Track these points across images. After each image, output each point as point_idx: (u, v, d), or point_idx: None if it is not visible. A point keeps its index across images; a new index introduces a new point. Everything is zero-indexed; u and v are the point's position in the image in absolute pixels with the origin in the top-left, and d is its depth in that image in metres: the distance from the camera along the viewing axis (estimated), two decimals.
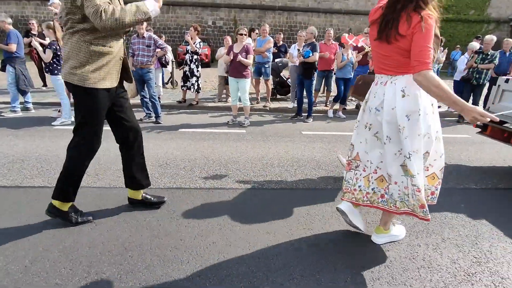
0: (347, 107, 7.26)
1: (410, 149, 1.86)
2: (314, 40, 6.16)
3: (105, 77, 2.10)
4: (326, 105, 7.46)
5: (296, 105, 6.69)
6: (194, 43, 6.48)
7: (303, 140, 4.84)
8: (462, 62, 6.92)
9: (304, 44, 6.33)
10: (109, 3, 1.93)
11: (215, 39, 19.12)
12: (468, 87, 6.62)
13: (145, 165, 2.57)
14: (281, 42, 8.81)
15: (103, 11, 1.85)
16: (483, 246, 2.31)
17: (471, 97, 6.65)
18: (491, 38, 6.26)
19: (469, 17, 19.54)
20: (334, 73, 6.94)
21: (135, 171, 2.46)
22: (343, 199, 2.24)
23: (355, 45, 6.70)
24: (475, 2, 19.66)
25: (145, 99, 5.65)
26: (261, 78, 7.30)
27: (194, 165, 3.63)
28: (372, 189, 2.11)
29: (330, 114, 6.76)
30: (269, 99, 7.34)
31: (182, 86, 6.90)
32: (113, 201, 2.70)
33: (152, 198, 2.63)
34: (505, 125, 3.68)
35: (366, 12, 19.71)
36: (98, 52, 2.04)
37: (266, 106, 7.16)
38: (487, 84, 6.75)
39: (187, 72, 6.69)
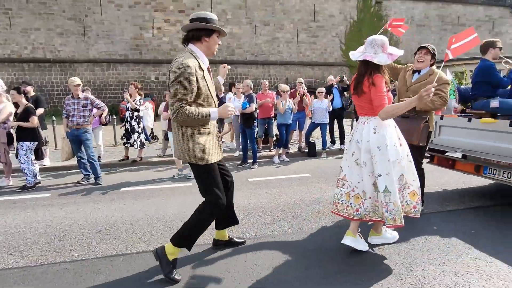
0: (290, 151, 7.64)
1: (379, 171, 2.52)
2: (251, 91, 6.59)
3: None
4: (270, 151, 7.77)
5: (241, 153, 6.87)
6: (134, 100, 6.49)
7: (249, 187, 4.92)
8: None
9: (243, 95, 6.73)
10: (185, 103, 2.21)
11: (159, 93, 19.28)
12: None
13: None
14: (222, 94, 9.23)
15: (177, 112, 2.19)
16: (417, 272, 2.49)
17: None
18: None
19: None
20: (275, 119, 7.38)
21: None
22: (332, 211, 2.84)
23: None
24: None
25: (82, 160, 5.37)
26: None
27: (137, 226, 3.45)
28: (350, 203, 2.70)
29: (276, 159, 7.02)
30: None
31: (124, 144, 6.73)
32: (40, 283, 2.41)
33: (236, 239, 2.93)
34: (446, 154, 4.36)
35: (299, 63, 21.81)
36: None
37: None
38: None
39: (129, 130, 6.59)
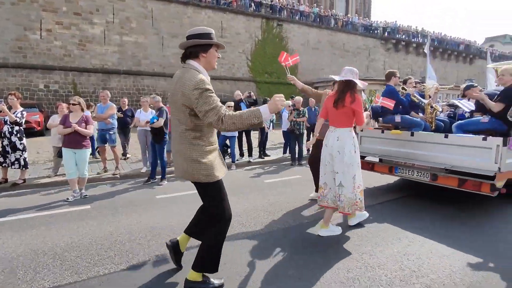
0: None
1: (337, 169, 3.36)
2: (161, 105, 6.36)
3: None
4: None
5: (148, 169, 6.51)
6: (14, 113, 5.54)
7: (158, 205, 4.69)
8: (285, 116, 8.59)
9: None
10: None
11: (49, 103, 16.83)
12: (293, 136, 8.19)
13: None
14: (126, 107, 8.64)
15: (222, 120, 2.05)
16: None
17: (297, 144, 8.23)
18: (299, 99, 8.15)
19: (286, 81, 24.66)
20: None
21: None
22: (320, 204, 3.65)
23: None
24: (289, 70, 25.21)
25: None
26: (106, 145, 6.85)
27: (17, 265, 2.91)
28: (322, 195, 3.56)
29: None
30: (118, 166, 6.87)
31: (1, 164, 5.64)
32: None
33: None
34: (366, 158, 5.27)
35: (213, 77, 22.03)
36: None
37: (115, 174, 6.65)
38: (305, 132, 8.56)
39: (7, 147, 5.56)
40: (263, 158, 8.76)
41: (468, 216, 4.27)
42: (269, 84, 24.16)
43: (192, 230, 2.74)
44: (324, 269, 2.80)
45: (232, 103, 7.80)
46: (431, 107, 5.00)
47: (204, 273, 2.46)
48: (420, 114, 5.27)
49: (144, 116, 6.81)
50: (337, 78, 3.34)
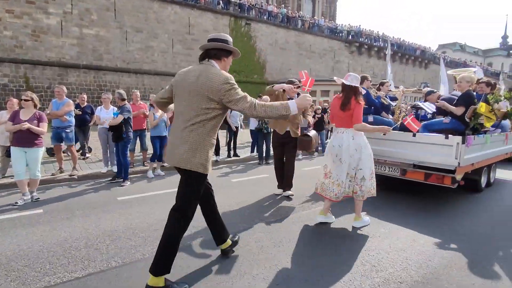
0: (166, 164, 7.37)
1: (357, 166, 3.67)
2: (124, 102, 6.06)
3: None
4: (144, 165, 7.29)
5: (110, 169, 6.18)
6: None
7: (118, 207, 4.45)
8: None
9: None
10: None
11: None
12: (261, 135, 8.20)
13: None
14: (85, 103, 8.16)
15: (255, 106, 2.33)
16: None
17: (264, 143, 8.25)
18: (266, 98, 8.14)
19: (254, 80, 24.79)
20: (148, 131, 6.99)
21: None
22: (317, 192, 3.90)
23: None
24: (256, 69, 25.29)
25: None
26: (62, 144, 6.41)
27: None
28: (333, 189, 3.69)
29: (150, 174, 6.61)
30: (76, 167, 6.45)
31: None
32: None
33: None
34: None
35: (174, 73, 21.45)
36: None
37: (72, 175, 6.24)
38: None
39: None
40: (231, 157, 8.68)
41: (428, 209, 4.61)
42: (237, 83, 24.02)
43: (219, 236, 2.89)
44: (285, 266, 2.80)
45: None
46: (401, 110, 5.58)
47: (165, 277, 2.36)
48: (390, 116, 5.72)
49: (105, 113, 6.45)
50: (345, 82, 3.60)
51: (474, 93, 5.00)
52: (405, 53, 36.30)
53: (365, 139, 3.72)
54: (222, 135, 9.46)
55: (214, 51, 2.45)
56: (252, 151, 9.09)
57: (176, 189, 2.47)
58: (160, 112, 6.77)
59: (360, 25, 32.67)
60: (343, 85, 3.63)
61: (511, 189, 6.24)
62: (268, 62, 25.89)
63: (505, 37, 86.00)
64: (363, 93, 5.00)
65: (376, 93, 5.67)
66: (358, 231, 3.70)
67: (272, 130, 8.26)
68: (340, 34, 31.36)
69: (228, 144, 8.98)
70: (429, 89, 6.31)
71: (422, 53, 39.19)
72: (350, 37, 31.67)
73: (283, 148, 5.10)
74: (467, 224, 4.05)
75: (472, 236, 3.67)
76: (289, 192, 5.07)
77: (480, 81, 5.68)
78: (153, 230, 3.58)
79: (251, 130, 8.82)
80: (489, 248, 3.36)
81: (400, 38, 36.35)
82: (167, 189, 5.49)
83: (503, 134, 5.95)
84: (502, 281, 2.72)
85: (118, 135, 5.74)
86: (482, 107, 4.63)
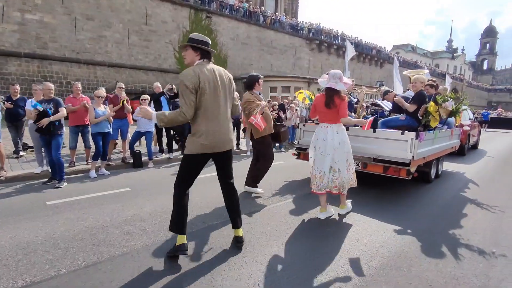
0: (112, 162, 6.86)
1: (337, 158, 3.83)
2: (52, 95, 5.49)
3: None
4: (87, 163, 6.71)
5: (45, 169, 5.58)
6: None
7: (44, 213, 3.97)
8: None
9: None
10: None
11: None
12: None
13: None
14: (18, 95, 7.35)
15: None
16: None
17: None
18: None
19: None
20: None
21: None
22: (316, 192, 3.97)
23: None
24: (217, 63, 24.60)
25: None
26: None
27: None
28: (316, 182, 3.92)
29: (93, 174, 6.08)
30: (4, 167, 5.75)
31: None
32: None
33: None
34: (307, 150, 5.58)
35: (131, 66, 20.34)
36: None
37: (0, 176, 5.55)
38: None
39: None
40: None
41: (386, 198, 5.06)
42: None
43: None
44: (233, 275, 2.62)
45: (147, 96, 7.19)
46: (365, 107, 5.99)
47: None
48: (353, 114, 6.04)
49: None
50: (322, 83, 3.87)
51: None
52: (362, 52, 37.73)
53: (347, 135, 3.94)
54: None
55: (205, 52, 2.85)
56: None
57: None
58: (102, 107, 6.25)
59: (320, 23, 33.33)
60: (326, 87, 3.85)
61: (455, 179, 6.78)
62: (229, 57, 25.48)
63: (450, 40, 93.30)
64: None
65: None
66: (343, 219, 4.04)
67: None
68: (301, 31, 31.75)
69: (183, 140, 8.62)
70: (386, 88, 6.74)
71: (378, 53, 41.02)
72: (310, 35, 32.19)
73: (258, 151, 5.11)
74: (412, 217, 4.16)
75: (416, 231, 3.75)
76: (259, 190, 5.06)
77: (425, 83, 6.10)
78: (78, 240, 3.19)
79: None
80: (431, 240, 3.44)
81: (357, 38, 37.69)
82: (109, 190, 5.06)
83: (449, 130, 6.47)
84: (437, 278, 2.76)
85: (48, 130, 5.18)
86: (431, 106, 5.12)
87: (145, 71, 21.22)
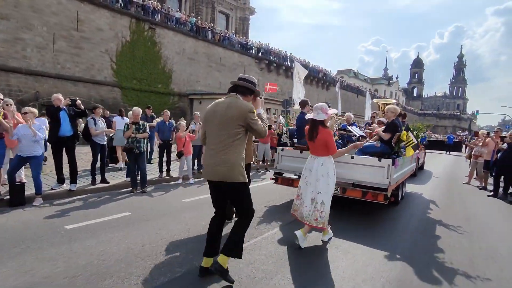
0: None
1: (320, 190, 3.96)
2: None
3: None
4: None
5: None
6: None
7: None
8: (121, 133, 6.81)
9: None
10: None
11: None
12: (132, 156, 6.49)
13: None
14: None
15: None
16: None
17: (138, 165, 6.56)
18: (138, 110, 6.67)
19: (158, 89, 22.58)
20: None
21: None
22: (293, 214, 4.22)
23: None
24: (160, 78, 23.13)
25: None
26: None
27: None
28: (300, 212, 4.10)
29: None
30: None
31: None
32: None
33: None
34: (284, 175, 5.91)
35: (56, 76, 17.79)
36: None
37: None
38: (155, 150, 7.04)
39: None
40: (108, 183, 6.69)
41: (364, 223, 5.21)
42: (137, 92, 21.42)
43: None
44: None
45: (33, 110, 5.56)
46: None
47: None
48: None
49: None
50: (311, 116, 4.03)
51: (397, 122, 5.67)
52: (310, 75, 38.84)
53: (333, 168, 4.01)
54: (80, 158, 7.37)
55: (242, 89, 3.11)
56: (127, 176, 7.26)
57: None
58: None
59: (269, 43, 33.61)
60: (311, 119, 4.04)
61: (416, 201, 7.20)
62: (174, 72, 23.97)
63: (386, 69, 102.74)
64: (304, 118, 5.21)
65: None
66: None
67: (144, 150, 6.73)
68: (251, 51, 31.59)
69: (91, 166, 6.93)
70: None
71: (324, 76, 42.66)
72: (260, 54, 32.17)
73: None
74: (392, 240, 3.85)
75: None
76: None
77: (397, 113, 6.40)
78: None
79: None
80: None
81: (305, 60, 38.81)
82: None
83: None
84: None
85: None
86: (404, 135, 5.38)
87: (74, 82, 18.71)
